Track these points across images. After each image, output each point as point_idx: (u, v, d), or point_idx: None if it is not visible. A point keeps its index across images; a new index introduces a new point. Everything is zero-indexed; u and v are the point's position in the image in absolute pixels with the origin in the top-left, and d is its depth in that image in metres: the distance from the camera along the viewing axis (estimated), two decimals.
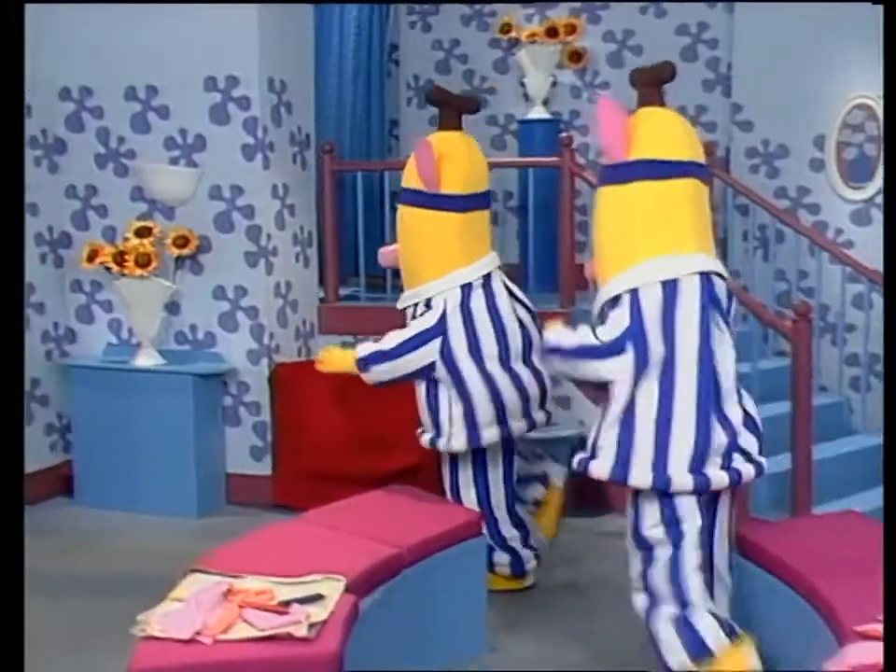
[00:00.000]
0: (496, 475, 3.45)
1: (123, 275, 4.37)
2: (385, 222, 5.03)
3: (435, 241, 3.31)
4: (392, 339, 3.29)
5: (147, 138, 4.59)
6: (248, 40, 4.42)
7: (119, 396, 4.48)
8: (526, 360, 3.39)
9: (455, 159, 3.31)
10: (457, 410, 3.28)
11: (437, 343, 3.25)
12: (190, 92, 4.49)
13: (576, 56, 5.76)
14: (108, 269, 4.39)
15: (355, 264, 5.10)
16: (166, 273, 4.47)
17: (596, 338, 2.59)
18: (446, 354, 3.25)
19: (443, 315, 3.26)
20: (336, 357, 3.46)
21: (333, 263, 4.96)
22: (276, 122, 4.58)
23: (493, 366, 3.29)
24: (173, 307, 4.61)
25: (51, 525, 4.35)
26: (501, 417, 3.30)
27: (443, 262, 3.30)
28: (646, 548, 2.61)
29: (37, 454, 4.63)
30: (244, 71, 4.43)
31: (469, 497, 3.43)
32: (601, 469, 2.59)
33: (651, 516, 2.58)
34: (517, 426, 3.35)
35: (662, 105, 2.71)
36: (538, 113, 5.72)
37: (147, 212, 4.61)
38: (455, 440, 3.30)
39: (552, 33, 5.66)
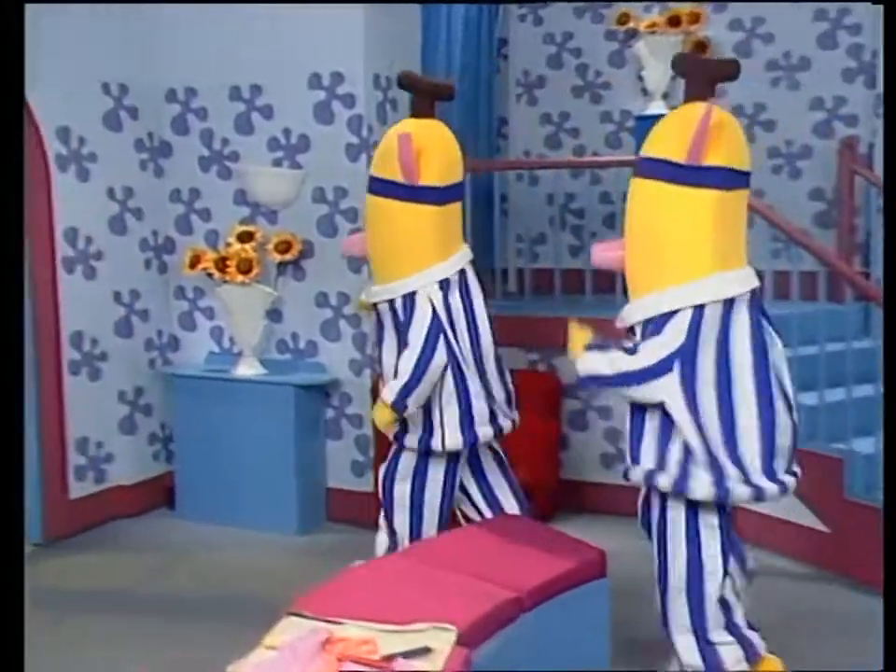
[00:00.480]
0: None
1: (225, 282, 4.24)
2: (493, 223, 4.80)
3: (411, 234, 3.13)
4: (404, 367, 3.08)
5: (250, 139, 4.46)
6: (354, 35, 4.24)
7: (219, 406, 4.35)
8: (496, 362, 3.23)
9: (432, 149, 3.14)
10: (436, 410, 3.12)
11: (443, 340, 3.06)
12: (295, 90, 4.34)
13: (700, 46, 5.35)
14: (210, 275, 4.27)
15: None
16: (268, 280, 4.32)
17: (630, 352, 2.53)
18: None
19: (435, 312, 3.07)
20: (381, 417, 3.20)
21: None
22: (382, 120, 4.38)
23: (467, 368, 3.11)
24: (274, 314, 4.46)
25: (151, 538, 4.26)
26: (468, 422, 3.11)
27: (420, 257, 3.12)
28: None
29: (140, 464, 4.57)
30: (349, 67, 4.25)
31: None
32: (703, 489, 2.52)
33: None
34: (483, 431, 3.15)
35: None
36: (657, 108, 5.32)
37: (250, 216, 4.48)
38: (436, 439, 3.13)
39: (674, 22, 5.28)
